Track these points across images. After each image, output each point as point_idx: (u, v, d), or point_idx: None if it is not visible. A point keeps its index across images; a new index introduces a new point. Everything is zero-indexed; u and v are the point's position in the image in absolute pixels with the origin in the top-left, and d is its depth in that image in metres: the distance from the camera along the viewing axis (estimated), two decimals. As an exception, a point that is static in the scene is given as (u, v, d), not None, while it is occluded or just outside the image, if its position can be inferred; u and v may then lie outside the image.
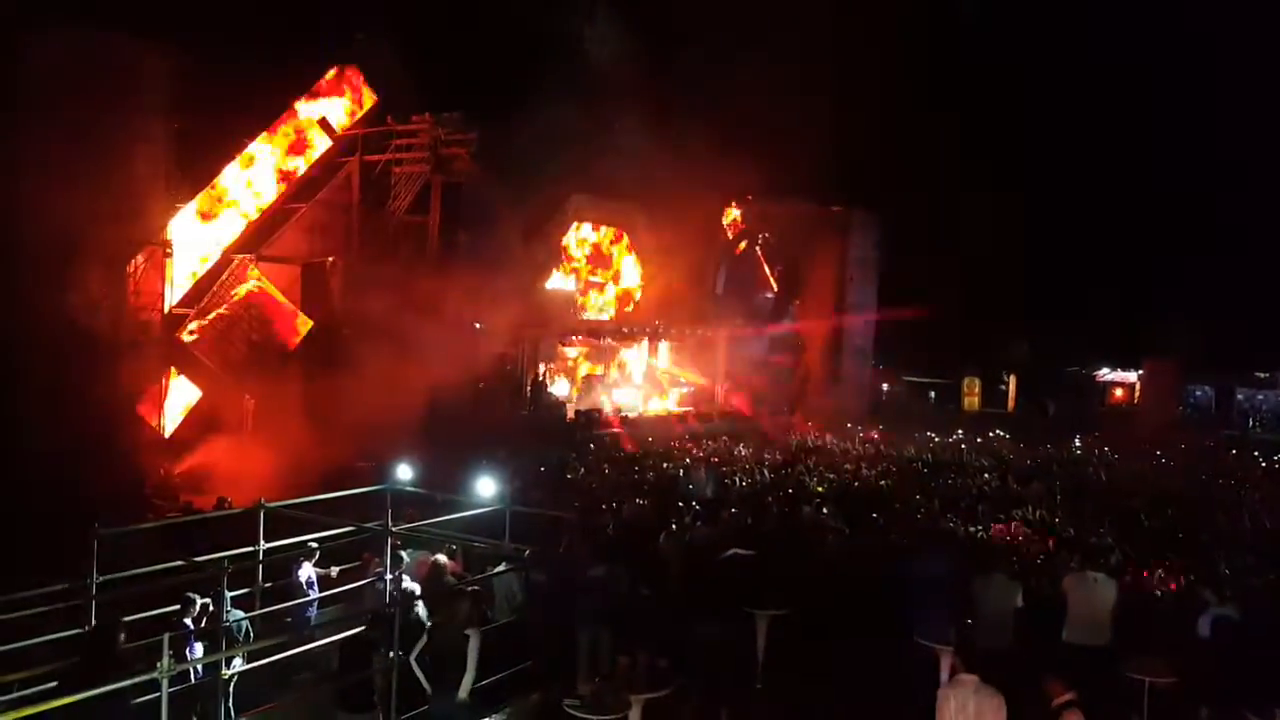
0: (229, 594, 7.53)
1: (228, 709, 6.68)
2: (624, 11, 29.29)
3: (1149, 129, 37.24)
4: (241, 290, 21.86)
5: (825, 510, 12.28)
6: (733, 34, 28.49)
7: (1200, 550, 10.77)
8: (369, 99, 24.25)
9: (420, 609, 7.14)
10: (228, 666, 6.90)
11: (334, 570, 9.28)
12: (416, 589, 7.92)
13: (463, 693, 6.49)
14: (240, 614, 7.95)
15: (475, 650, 6.60)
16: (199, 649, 7.42)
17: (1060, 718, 5.60)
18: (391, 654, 6.44)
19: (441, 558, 8.73)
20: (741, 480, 16.20)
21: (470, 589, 7.23)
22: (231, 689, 7.04)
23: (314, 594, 9.11)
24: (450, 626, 6.63)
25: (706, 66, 30.08)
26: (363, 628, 7.02)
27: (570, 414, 24.85)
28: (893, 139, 31.33)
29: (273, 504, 8.75)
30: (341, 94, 24.33)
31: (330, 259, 21.92)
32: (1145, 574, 9.51)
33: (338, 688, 6.86)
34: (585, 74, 28.02)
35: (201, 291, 22.06)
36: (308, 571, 9.08)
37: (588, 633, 8.07)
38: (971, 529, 12.41)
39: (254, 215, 23.19)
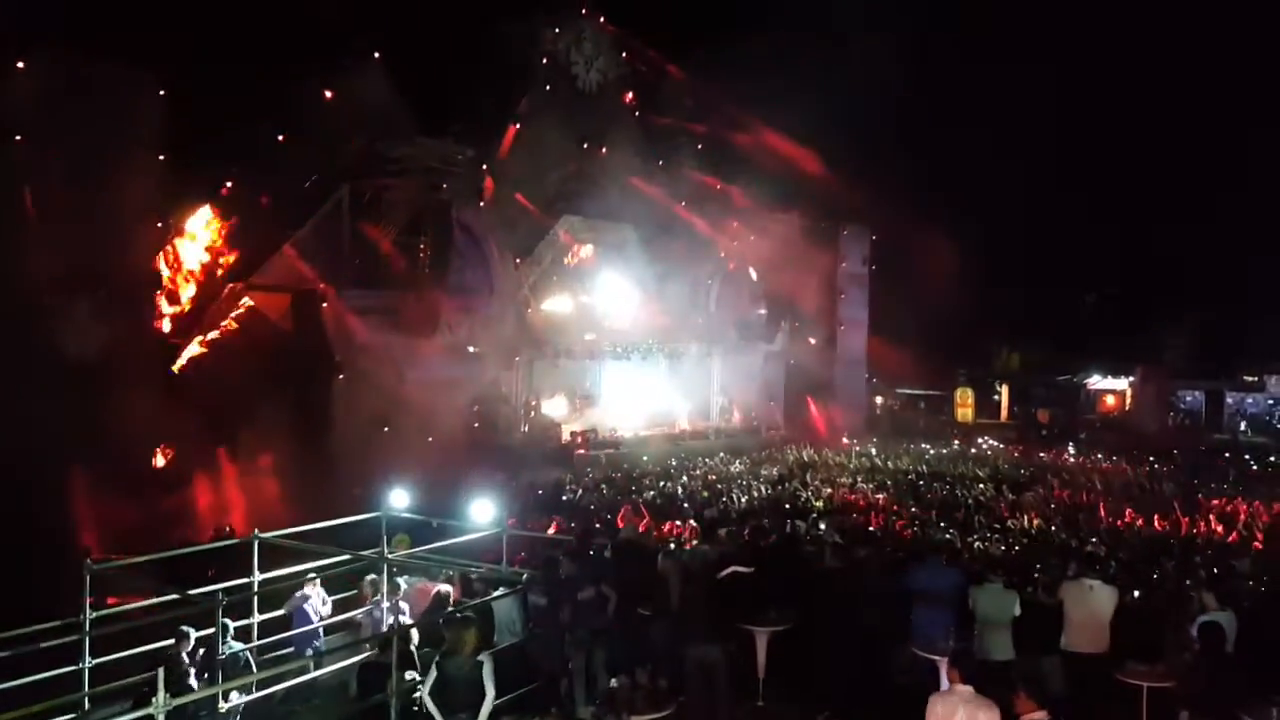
0: (230, 624, 7.50)
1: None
2: (612, 34, 29.62)
3: (1140, 130, 37.40)
4: (233, 318, 21.87)
5: (822, 525, 12.29)
6: (721, 52, 28.76)
7: (1196, 556, 10.81)
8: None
9: (414, 640, 7.16)
10: (225, 700, 6.85)
11: (327, 604, 9.22)
12: (409, 620, 7.91)
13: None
14: (239, 645, 7.91)
15: (490, 675, 6.56)
16: (194, 683, 7.37)
17: None
18: (405, 678, 6.45)
19: (443, 586, 8.71)
20: (739, 497, 16.19)
21: (464, 614, 7.22)
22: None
23: (316, 623, 9.06)
24: (459, 655, 6.59)
25: (694, 85, 30.41)
26: (376, 651, 7.03)
27: (566, 435, 24.82)
28: (882, 153, 31.56)
29: (267, 534, 8.71)
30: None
31: (321, 285, 21.91)
32: (1142, 580, 9.53)
33: (355, 712, 6.84)
34: (575, 96, 28.29)
35: (193, 321, 22.05)
36: (309, 600, 9.04)
37: (581, 655, 8.05)
38: (968, 539, 12.43)
39: (244, 244, 23.20)
